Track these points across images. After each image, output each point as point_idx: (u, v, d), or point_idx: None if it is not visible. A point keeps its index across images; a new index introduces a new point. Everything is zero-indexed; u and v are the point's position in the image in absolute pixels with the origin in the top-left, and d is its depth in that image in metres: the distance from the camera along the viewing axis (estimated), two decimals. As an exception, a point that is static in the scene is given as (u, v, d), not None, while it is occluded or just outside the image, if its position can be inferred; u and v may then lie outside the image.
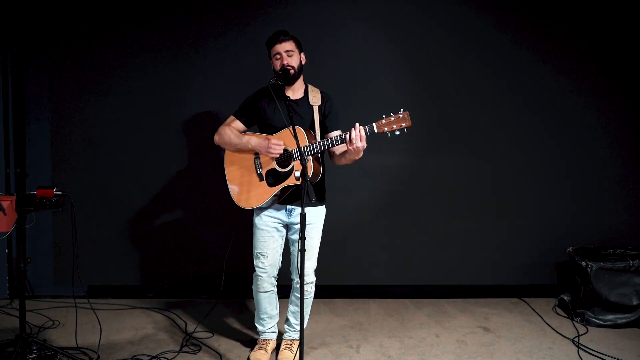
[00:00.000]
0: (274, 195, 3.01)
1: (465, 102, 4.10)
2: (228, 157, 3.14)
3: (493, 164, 4.15)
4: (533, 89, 4.12)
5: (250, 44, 3.96)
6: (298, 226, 3.04)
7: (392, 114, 2.76)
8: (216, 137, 3.12)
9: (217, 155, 3.15)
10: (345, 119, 3.90)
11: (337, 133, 3.04)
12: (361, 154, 2.86)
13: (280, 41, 2.96)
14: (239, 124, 3.12)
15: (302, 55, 3.05)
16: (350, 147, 2.80)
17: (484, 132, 4.13)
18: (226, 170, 3.13)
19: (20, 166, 4.01)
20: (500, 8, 4.06)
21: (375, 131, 2.79)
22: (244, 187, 3.08)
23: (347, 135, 2.79)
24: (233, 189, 3.11)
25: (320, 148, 2.87)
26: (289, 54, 2.96)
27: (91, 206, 3.97)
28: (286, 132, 2.96)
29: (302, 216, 2.60)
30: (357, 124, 2.78)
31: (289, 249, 3.21)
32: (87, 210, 3.86)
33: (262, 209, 3.10)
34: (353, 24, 4.02)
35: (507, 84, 4.11)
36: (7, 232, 2.85)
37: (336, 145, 2.86)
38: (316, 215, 3.10)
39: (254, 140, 3.01)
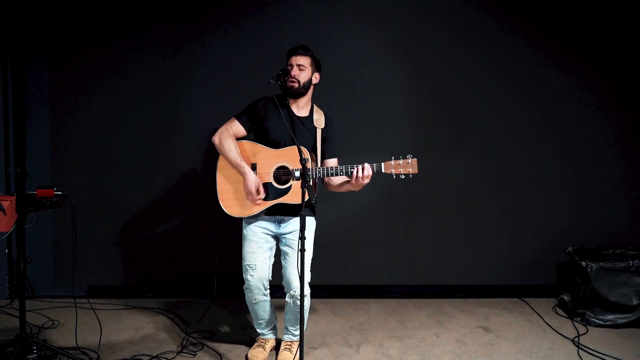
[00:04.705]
0: (266, 209, 3.04)
1: (464, 102, 4.10)
2: (223, 161, 3.11)
3: (493, 165, 4.15)
4: (534, 89, 4.11)
5: (250, 43, 3.96)
6: (288, 237, 3.10)
7: (401, 157, 2.89)
8: (216, 141, 3.08)
9: (217, 155, 3.16)
10: (344, 120, 3.88)
11: (333, 161, 3.14)
12: (360, 188, 2.96)
13: (297, 54, 3.06)
14: (240, 129, 3.09)
15: (317, 75, 3.11)
16: (354, 182, 2.91)
17: (484, 132, 4.13)
18: (219, 173, 3.12)
19: (20, 166, 4.00)
20: (504, 7, 4.05)
21: (383, 171, 2.91)
22: (236, 193, 3.08)
23: (355, 172, 2.88)
24: (223, 193, 3.10)
25: (322, 174, 2.95)
26: (300, 68, 3.04)
27: (91, 206, 3.97)
28: (291, 150, 3.00)
29: (302, 217, 2.60)
30: (366, 164, 2.88)
31: (280, 263, 3.17)
32: (87, 210, 3.85)
33: (250, 219, 3.11)
34: (353, 23, 4.01)
35: (508, 84, 4.11)
36: (7, 232, 2.85)
37: (339, 175, 2.94)
38: (307, 225, 3.09)
39: (248, 174, 2.99)
